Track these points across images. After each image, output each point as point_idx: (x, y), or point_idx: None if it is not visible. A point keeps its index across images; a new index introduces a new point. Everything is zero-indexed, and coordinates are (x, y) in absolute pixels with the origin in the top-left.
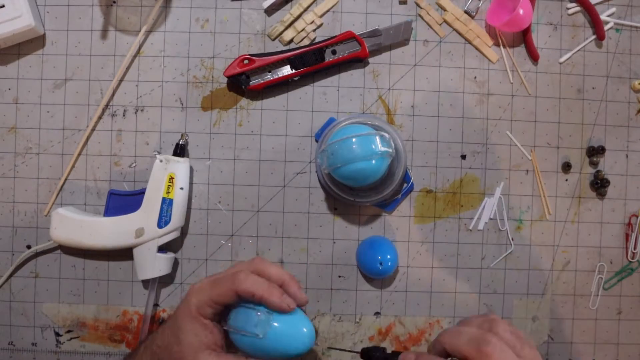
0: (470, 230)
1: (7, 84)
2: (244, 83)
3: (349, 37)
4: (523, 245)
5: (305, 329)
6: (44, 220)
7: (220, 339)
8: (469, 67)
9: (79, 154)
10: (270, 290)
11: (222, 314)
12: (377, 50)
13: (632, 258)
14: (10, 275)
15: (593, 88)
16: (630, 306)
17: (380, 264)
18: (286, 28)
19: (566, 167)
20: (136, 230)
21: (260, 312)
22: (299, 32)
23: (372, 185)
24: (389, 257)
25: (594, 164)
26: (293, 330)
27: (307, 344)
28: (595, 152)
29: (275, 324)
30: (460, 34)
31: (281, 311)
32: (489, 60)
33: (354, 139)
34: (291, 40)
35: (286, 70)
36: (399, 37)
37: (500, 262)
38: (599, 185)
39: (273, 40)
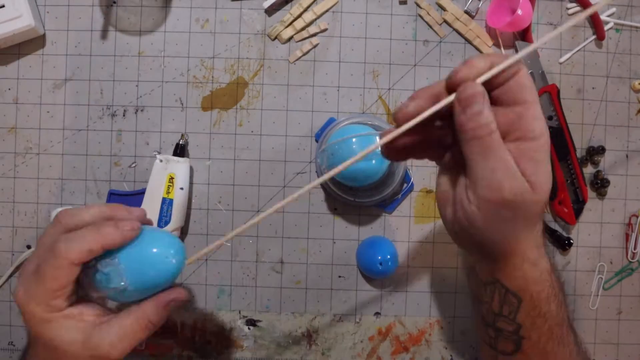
0: None
1: (7, 84)
2: None
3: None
4: None
5: (155, 249)
6: (44, 220)
7: (97, 311)
8: None
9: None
10: (101, 233)
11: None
12: None
13: (632, 258)
14: (10, 275)
15: (593, 88)
16: (630, 306)
17: (380, 264)
18: (285, 28)
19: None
20: None
21: (101, 264)
22: (298, 32)
23: (372, 185)
24: (388, 257)
25: (594, 164)
26: (147, 257)
27: (173, 262)
28: (595, 152)
29: (123, 265)
30: (460, 34)
31: (129, 240)
32: None
33: (354, 139)
34: (290, 39)
35: None
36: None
37: None
38: (599, 185)
39: (273, 40)
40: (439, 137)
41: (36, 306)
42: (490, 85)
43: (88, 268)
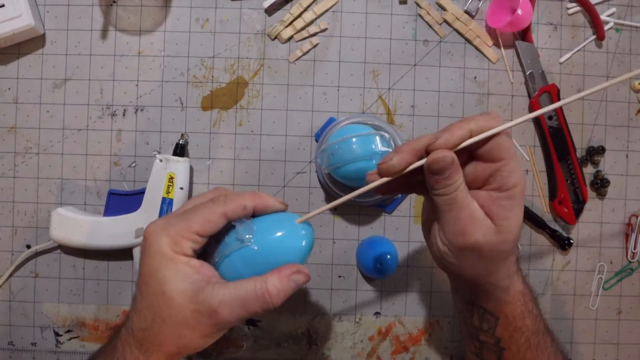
0: None
1: (7, 83)
2: None
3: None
4: (523, 246)
5: (293, 225)
6: (44, 220)
7: (216, 274)
8: (469, 67)
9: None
10: (258, 194)
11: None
12: None
13: (632, 258)
14: (10, 275)
15: None
16: (630, 306)
17: (380, 264)
18: (285, 27)
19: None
20: (136, 230)
21: (238, 222)
22: (298, 31)
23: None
24: (389, 257)
25: (594, 164)
26: (282, 227)
27: (303, 240)
28: (595, 152)
29: (259, 225)
30: (460, 33)
31: (279, 207)
32: (489, 60)
33: (354, 139)
34: (290, 38)
35: None
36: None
37: None
38: (599, 185)
39: (273, 40)
40: (421, 181)
41: (166, 238)
42: (470, 147)
43: (226, 230)
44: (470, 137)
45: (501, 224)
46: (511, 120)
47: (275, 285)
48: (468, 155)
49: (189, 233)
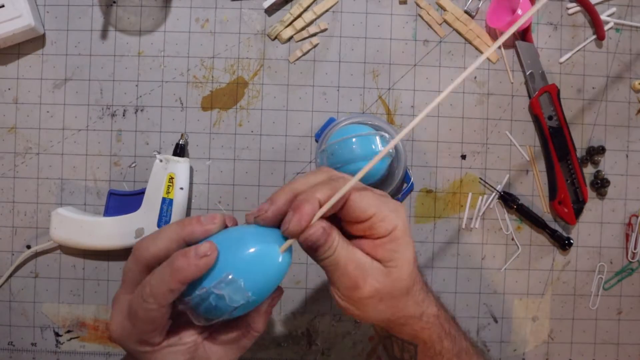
0: (471, 230)
1: (7, 84)
2: None
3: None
4: (523, 246)
5: (252, 249)
6: (44, 220)
7: (189, 329)
8: None
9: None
10: (175, 269)
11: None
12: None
13: (632, 258)
14: (10, 275)
15: (593, 88)
16: (630, 306)
17: None
18: (285, 28)
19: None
20: (136, 230)
21: (215, 287)
22: (298, 31)
23: (372, 185)
24: None
25: (594, 164)
26: (256, 261)
27: (279, 260)
28: (595, 152)
29: (241, 279)
30: (460, 34)
31: (203, 270)
32: (489, 60)
33: (354, 139)
34: (290, 39)
35: None
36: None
37: (500, 261)
38: (599, 185)
39: (273, 40)
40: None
41: (134, 344)
42: (334, 210)
43: (187, 299)
44: (320, 206)
45: (390, 265)
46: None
47: (259, 322)
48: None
49: (146, 334)
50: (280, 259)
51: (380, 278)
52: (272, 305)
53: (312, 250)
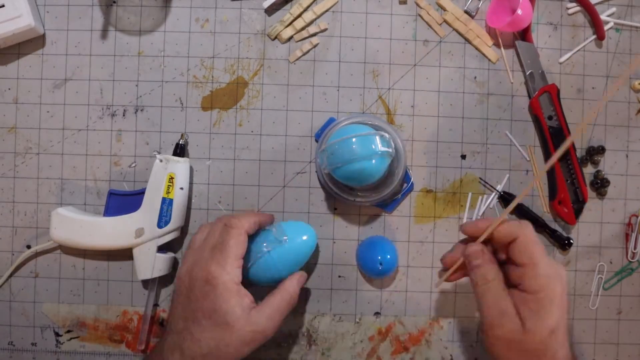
0: None
1: (7, 83)
2: None
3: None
4: None
5: (310, 230)
6: (44, 220)
7: (249, 296)
8: (469, 67)
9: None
10: (257, 214)
11: None
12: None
13: (632, 258)
14: (10, 275)
15: (593, 88)
16: (630, 306)
17: (381, 264)
18: (285, 28)
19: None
20: (136, 230)
21: (273, 227)
22: (298, 31)
23: (372, 185)
24: (389, 257)
25: (594, 164)
26: (305, 232)
27: (315, 242)
28: (595, 152)
29: (284, 228)
30: (460, 34)
31: (272, 220)
32: (489, 60)
33: (354, 139)
34: (290, 38)
35: None
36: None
37: None
38: (599, 185)
39: (273, 40)
40: None
41: (227, 275)
42: (497, 244)
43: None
44: (492, 238)
45: (527, 324)
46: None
47: (293, 286)
48: (507, 256)
49: (237, 260)
50: (310, 242)
51: (514, 331)
52: (302, 276)
53: (468, 266)
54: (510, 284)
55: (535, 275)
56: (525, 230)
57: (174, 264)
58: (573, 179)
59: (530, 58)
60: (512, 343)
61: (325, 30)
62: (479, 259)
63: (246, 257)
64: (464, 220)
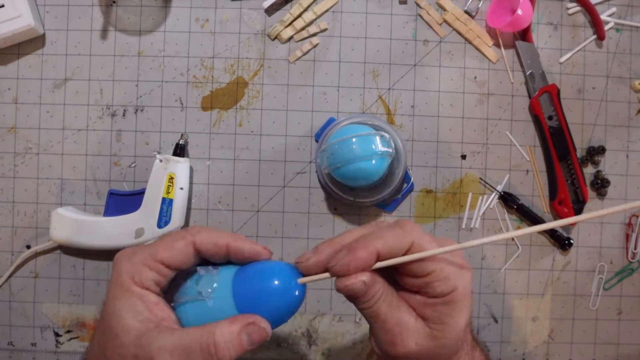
0: (471, 230)
1: (7, 84)
2: None
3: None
4: (523, 246)
5: (276, 282)
6: (44, 220)
7: (174, 317)
8: (469, 67)
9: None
10: (233, 236)
11: (167, 290)
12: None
13: (633, 258)
14: (10, 275)
15: (593, 88)
16: (630, 306)
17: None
18: (285, 28)
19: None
20: (136, 230)
21: (200, 268)
22: (298, 31)
23: (372, 185)
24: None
25: (594, 164)
26: (262, 281)
27: (292, 297)
28: (595, 152)
29: (220, 278)
30: (460, 34)
31: (256, 257)
32: (489, 60)
33: (354, 139)
34: (290, 39)
35: None
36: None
37: (500, 261)
38: (599, 185)
39: (273, 40)
40: None
41: (129, 266)
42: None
43: (186, 275)
44: (379, 258)
45: (438, 329)
46: (511, 119)
47: (224, 337)
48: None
49: (152, 261)
50: (295, 292)
51: (421, 340)
52: (247, 325)
53: (350, 299)
54: (403, 288)
55: (442, 278)
56: (416, 234)
57: None
58: (573, 179)
59: (530, 58)
60: (420, 355)
61: (325, 30)
62: (361, 292)
63: (175, 295)
64: (464, 221)
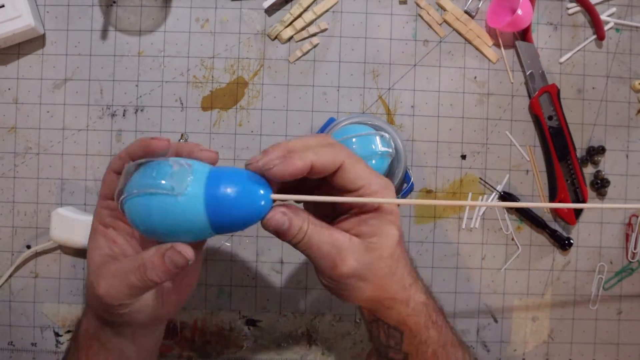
0: (471, 230)
1: (7, 84)
2: None
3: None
4: (523, 246)
5: (253, 189)
6: (44, 220)
7: (130, 251)
8: (469, 67)
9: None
10: (183, 144)
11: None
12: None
13: (632, 258)
14: (10, 276)
15: (593, 88)
16: (630, 306)
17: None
18: (285, 28)
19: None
20: None
21: (180, 161)
22: (298, 31)
23: None
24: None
25: (594, 164)
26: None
27: (261, 207)
28: (595, 152)
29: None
30: (460, 34)
31: (211, 161)
32: (489, 60)
33: (354, 139)
34: (290, 39)
35: None
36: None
37: (500, 261)
38: (599, 185)
39: (273, 40)
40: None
41: (97, 210)
42: (325, 174)
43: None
44: (312, 170)
45: (372, 241)
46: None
47: (152, 260)
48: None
49: (104, 199)
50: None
51: (360, 255)
52: (166, 251)
53: (278, 235)
54: (338, 215)
55: (371, 192)
56: (346, 154)
57: None
58: (573, 179)
59: (530, 58)
60: (360, 271)
61: (325, 30)
62: (283, 223)
63: (123, 188)
64: (464, 221)
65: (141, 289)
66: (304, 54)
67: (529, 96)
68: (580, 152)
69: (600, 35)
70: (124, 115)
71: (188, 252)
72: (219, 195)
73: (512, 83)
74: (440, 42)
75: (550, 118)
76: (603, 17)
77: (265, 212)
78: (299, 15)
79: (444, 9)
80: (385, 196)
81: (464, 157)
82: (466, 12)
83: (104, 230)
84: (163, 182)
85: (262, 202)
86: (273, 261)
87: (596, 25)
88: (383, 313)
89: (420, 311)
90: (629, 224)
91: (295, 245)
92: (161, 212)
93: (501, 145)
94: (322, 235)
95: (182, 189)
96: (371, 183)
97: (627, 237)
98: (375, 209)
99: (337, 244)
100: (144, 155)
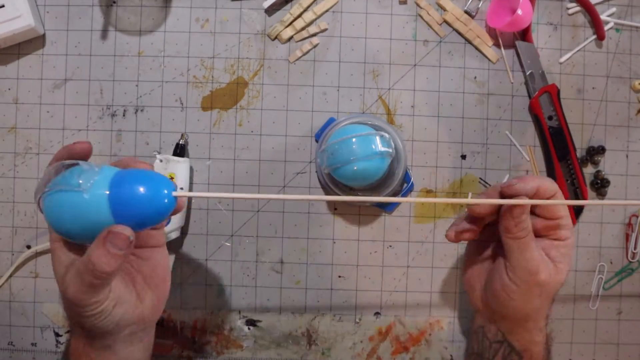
0: None
1: (7, 84)
2: None
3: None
4: None
5: (147, 188)
6: (44, 221)
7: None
8: (469, 67)
9: None
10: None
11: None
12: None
13: (632, 258)
14: (10, 276)
15: (593, 88)
16: (630, 306)
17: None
18: (285, 28)
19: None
20: None
21: (92, 165)
22: (298, 31)
23: (372, 185)
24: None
25: (594, 164)
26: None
27: (165, 201)
28: (595, 152)
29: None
30: (460, 34)
31: (83, 150)
32: (489, 60)
33: (354, 139)
34: (290, 39)
35: None
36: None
37: None
38: (599, 185)
39: (273, 40)
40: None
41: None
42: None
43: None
44: (536, 194)
45: (558, 267)
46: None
47: (96, 252)
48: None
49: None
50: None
51: (552, 273)
52: (106, 236)
53: (516, 219)
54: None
55: (566, 225)
56: (550, 184)
57: (174, 263)
58: (573, 179)
59: (530, 58)
60: (548, 285)
61: (325, 30)
62: (525, 215)
63: (52, 181)
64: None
65: (100, 284)
66: (304, 54)
67: (529, 96)
68: (580, 152)
69: (600, 35)
70: (124, 115)
71: (125, 230)
72: (121, 194)
73: (512, 83)
74: (440, 42)
75: (550, 118)
76: (603, 17)
77: (168, 210)
78: (299, 15)
79: (444, 9)
80: (572, 230)
81: (463, 157)
82: (466, 12)
83: (59, 245)
84: (72, 180)
85: (166, 200)
86: (273, 261)
87: (596, 25)
88: (518, 334)
89: (543, 343)
90: (629, 224)
91: (514, 240)
92: (71, 210)
93: (501, 145)
94: (535, 242)
95: (87, 186)
96: (568, 217)
97: (627, 237)
98: (565, 239)
99: (541, 256)
100: (68, 158)
